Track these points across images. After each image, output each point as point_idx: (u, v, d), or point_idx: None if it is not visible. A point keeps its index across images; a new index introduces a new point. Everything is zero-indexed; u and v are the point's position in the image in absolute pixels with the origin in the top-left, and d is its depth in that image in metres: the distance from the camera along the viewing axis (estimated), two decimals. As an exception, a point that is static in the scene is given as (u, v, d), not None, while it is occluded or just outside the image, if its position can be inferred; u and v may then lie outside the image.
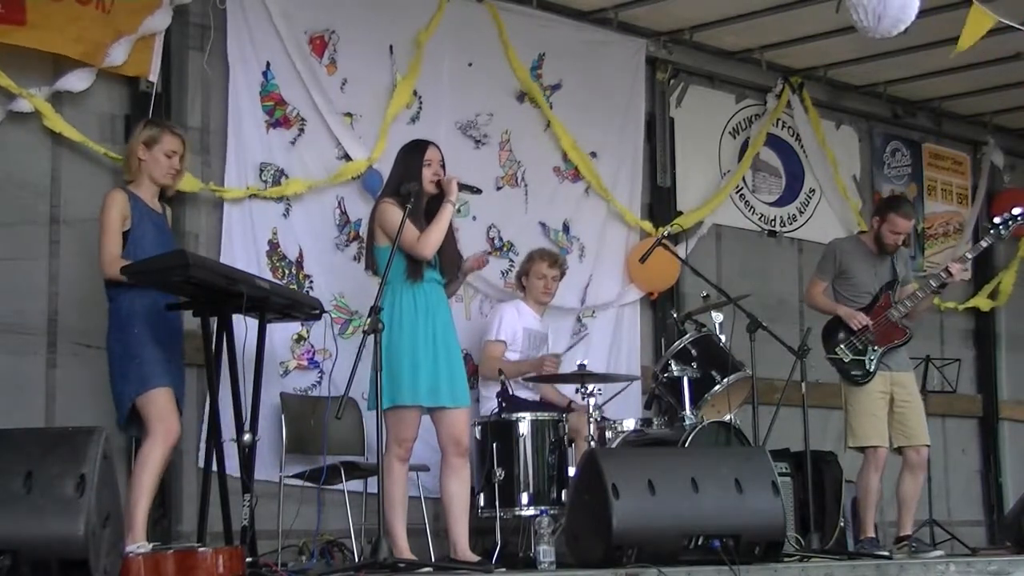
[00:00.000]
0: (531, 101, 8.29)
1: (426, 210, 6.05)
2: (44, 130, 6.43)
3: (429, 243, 5.94)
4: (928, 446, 7.57)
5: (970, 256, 7.76)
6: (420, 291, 5.98)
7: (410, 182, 5.98)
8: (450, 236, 6.12)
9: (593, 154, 8.54)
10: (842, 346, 7.44)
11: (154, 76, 6.69)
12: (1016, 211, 7.56)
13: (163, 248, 5.64)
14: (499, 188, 8.14)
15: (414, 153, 6.15)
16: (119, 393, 5.56)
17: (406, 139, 6.91)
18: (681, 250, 8.60)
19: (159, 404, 5.49)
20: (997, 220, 7.61)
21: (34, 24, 6.28)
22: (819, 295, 7.64)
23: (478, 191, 6.42)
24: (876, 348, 7.40)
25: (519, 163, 8.23)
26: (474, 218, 7.90)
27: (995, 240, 7.70)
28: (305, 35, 7.35)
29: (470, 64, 8.01)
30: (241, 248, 6.98)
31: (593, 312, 8.48)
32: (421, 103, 7.77)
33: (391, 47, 7.67)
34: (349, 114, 7.48)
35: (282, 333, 7.00)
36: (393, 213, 5.94)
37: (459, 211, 7.72)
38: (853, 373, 7.43)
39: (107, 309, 5.66)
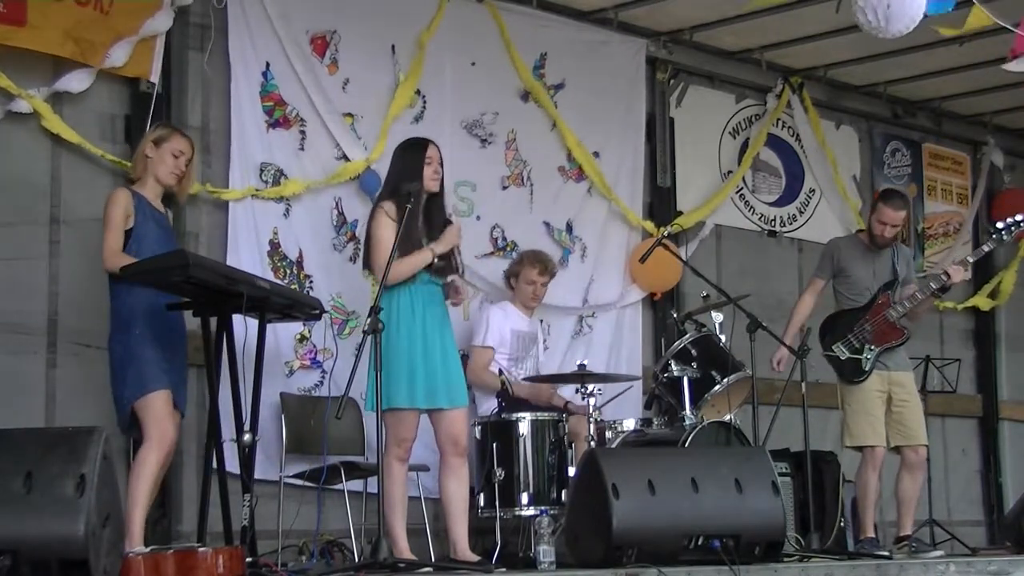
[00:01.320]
0: (535, 100, 8.29)
1: (425, 209, 6.04)
2: (44, 130, 6.43)
3: (392, 276, 5.84)
4: (926, 446, 7.56)
5: (971, 260, 7.77)
6: (416, 292, 5.97)
7: (411, 181, 5.97)
8: (438, 220, 6.08)
9: (596, 154, 8.54)
10: (839, 343, 7.43)
11: (155, 77, 6.70)
12: (1019, 216, 7.54)
13: (165, 247, 5.65)
14: (505, 188, 8.14)
15: (415, 151, 6.12)
16: (119, 397, 5.57)
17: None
18: (682, 251, 8.59)
19: (156, 408, 5.49)
20: (1000, 225, 7.59)
21: (34, 25, 6.28)
22: (803, 304, 7.61)
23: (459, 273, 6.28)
24: (873, 347, 7.39)
25: (525, 162, 8.24)
26: (478, 218, 7.91)
27: (997, 245, 7.71)
28: (306, 35, 7.34)
29: (473, 64, 8.01)
30: (246, 248, 6.98)
31: (593, 312, 8.47)
32: (425, 103, 7.77)
33: (393, 47, 7.67)
34: (351, 114, 7.48)
35: (286, 333, 7.01)
36: (384, 229, 5.90)
37: (464, 210, 7.77)
38: (848, 371, 7.42)
39: (109, 308, 5.66)
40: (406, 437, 5.96)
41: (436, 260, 5.99)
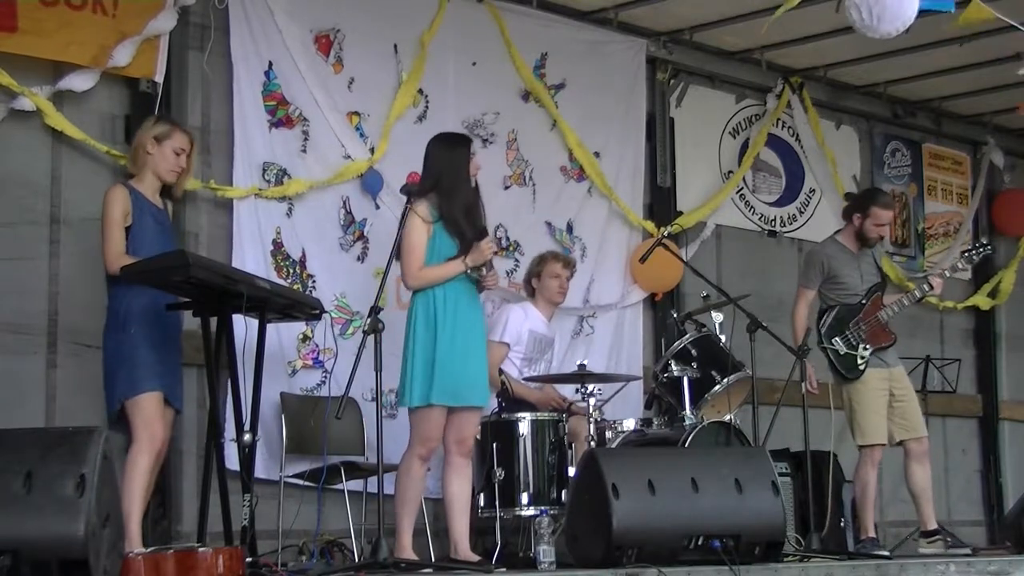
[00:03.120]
0: (536, 100, 8.29)
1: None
2: (45, 129, 6.43)
3: (417, 281, 5.89)
4: (926, 436, 7.59)
5: (948, 274, 7.96)
6: (450, 288, 5.95)
7: (456, 176, 5.93)
8: (479, 221, 6.05)
9: (597, 154, 8.54)
10: (838, 338, 7.44)
11: (159, 77, 6.70)
12: (984, 241, 8.12)
13: (163, 244, 5.64)
14: (507, 187, 8.14)
15: (459, 147, 6.08)
16: (109, 392, 5.55)
17: (413, 138, 6.93)
18: (683, 251, 8.59)
19: (146, 410, 5.48)
20: (969, 247, 7.97)
21: (26, 30, 6.28)
22: (801, 315, 7.58)
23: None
24: (867, 347, 7.42)
25: (527, 162, 8.24)
26: (483, 217, 7.92)
27: (968, 265, 8.00)
28: (311, 34, 7.34)
29: (474, 64, 8.01)
30: (249, 248, 6.98)
31: (594, 312, 8.47)
32: (428, 102, 7.77)
33: (395, 46, 7.67)
34: (357, 113, 7.48)
35: (288, 333, 7.01)
36: (419, 232, 5.87)
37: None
38: (843, 367, 7.43)
39: (106, 306, 5.66)
40: (431, 436, 5.92)
41: (469, 271, 5.98)
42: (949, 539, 7.56)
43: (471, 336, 5.97)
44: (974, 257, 7.84)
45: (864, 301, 7.50)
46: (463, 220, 5.95)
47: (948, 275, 7.91)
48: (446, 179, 5.95)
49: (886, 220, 7.58)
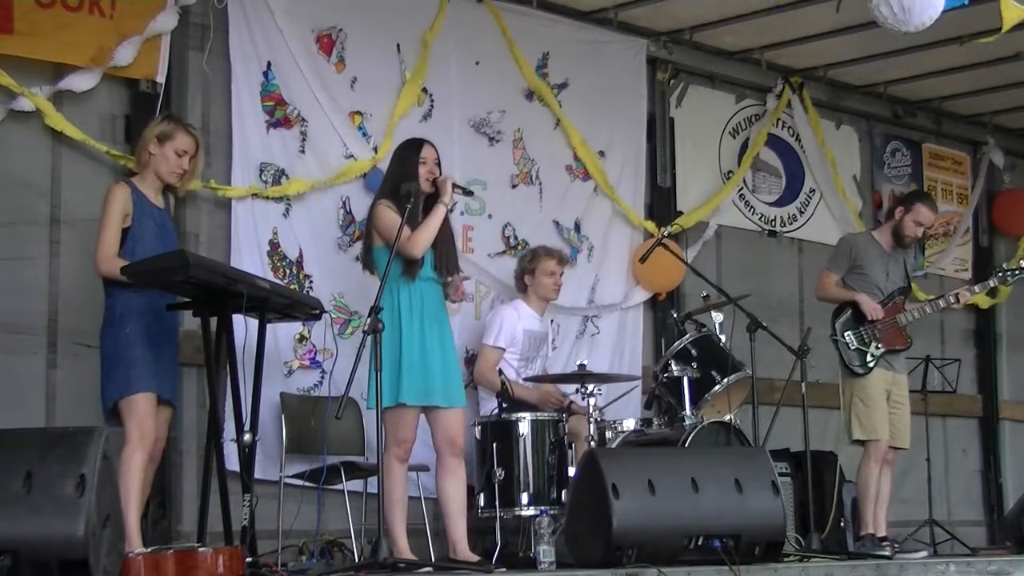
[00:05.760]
0: (539, 99, 8.29)
1: (424, 210, 6.06)
2: (45, 129, 6.43)
3: (418, 244, 5.94)
4: (906, 449, 7.63)
5: (978, 290, 8.08)
6: (415, 290, 5.99)
7: (407, 181, 5.98)
8: (447, 233, 6.11)
9: (601, 153, 8.54)
10: (850, 332, 7.48)
11: (161, 77, 6.70)
12: None
13: (164, 245, 5.65)
14: (514, 186, 8.14)
15: (409, 152, 6.16)
16: (104, 389, 5.57)
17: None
18: (686, 252, 8.58)
19: (138, 410, 5.48)
20: (1006, 267, 8.03)
21: (22, 32, 6.28)
22: (833, 286, 7.66)
23: (470, 193, 6.43)
24: (880, 347, 7.45)
25: (533, 161, 8.24)
26: (490, 216, 7.92)
27: (1000, 284, 8.10)
28: (312, 33, 7.34)
29: (477, 63, 8.01)
30: (247, 248, 6.98)
31: (599, 313, 8.47)
32: (433, 101, 7.77)
33: (398, 45, 7.67)
34: (360, 112, 7.48)
35: (285, 333, 7.01)
36: (388, 216, 5.95)
37: (475, 209, 7.76)
38: (853, 361, 7.47)
39: (104, 304, 5.65)
40: (405, 437, 5.98)
41: (435, 255, 6.03)
42: (896, 545, 7.60)
43: (437, 336, 6.02)
44: (1009, 278, 7.94)
45: (885, 302, 7.53)
46: (420, 221, 6.01)
47: (979, 291, 8.02)
48: (400, 184, 6.00)
49: (927, 221, 7.67)
